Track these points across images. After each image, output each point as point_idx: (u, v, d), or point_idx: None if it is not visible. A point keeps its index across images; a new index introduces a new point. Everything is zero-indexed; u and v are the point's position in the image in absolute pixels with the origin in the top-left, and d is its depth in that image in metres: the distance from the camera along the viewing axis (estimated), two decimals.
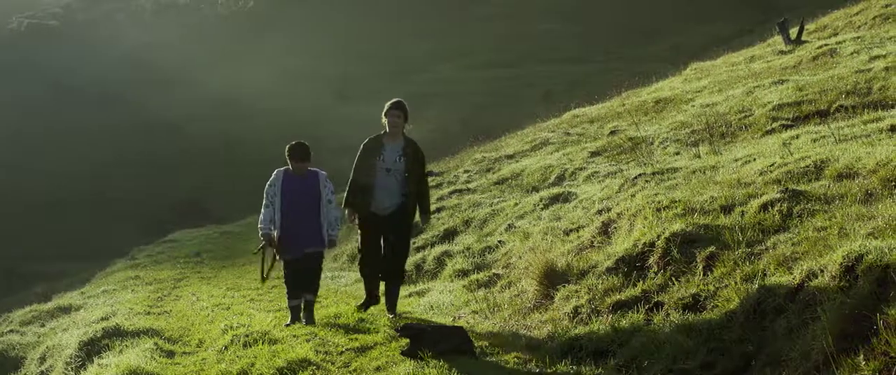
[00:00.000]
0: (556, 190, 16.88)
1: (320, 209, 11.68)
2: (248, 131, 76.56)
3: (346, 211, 11.48)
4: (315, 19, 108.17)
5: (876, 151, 9.89)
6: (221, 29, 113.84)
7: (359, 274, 12.21)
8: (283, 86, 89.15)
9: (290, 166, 11.70)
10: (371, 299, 11.72)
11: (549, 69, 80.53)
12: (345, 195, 11.42)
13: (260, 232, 11.90)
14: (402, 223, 11.29)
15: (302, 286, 11.78)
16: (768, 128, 16.80)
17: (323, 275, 17.93)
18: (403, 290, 14.71)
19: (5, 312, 22.33)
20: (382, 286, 11.70)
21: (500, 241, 14.92)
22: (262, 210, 11.77)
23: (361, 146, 11.33)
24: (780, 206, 9.04)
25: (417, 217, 11.67)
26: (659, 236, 9.47)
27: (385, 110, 11.22)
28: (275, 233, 11.61)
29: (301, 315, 11.80)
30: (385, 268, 11.37)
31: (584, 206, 14.20)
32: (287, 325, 11.61)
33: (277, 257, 11.93)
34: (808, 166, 10.42)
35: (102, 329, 12.84)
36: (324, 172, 11.88)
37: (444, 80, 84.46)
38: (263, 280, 12.71)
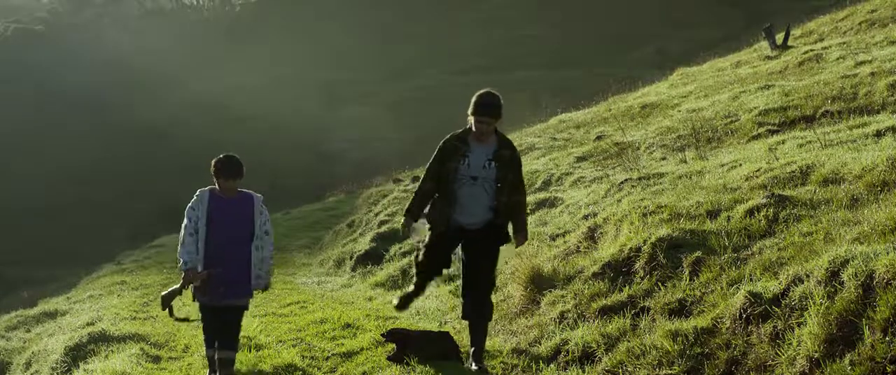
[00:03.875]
0: (542, 195, 16.87)
1: (251, 244, 9.14)
2: (234, 136, 76.17)
3: (403, 222, 9.24)
4: (300, 26, 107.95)
5: (861, 156, 9.92)
6: (207, 34, 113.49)
7: (414, 275, 9.68)
8: (269, 92, 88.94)
9: (216, 185, 9.19)
10: (417, 292, 9.58)
11: (535, 74, 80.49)
12: (408, 202, 9.36)
13: (182, 266, 9.09)
14: (489, 242, 8.98)
15: (221, 341, 9.29)
16: (754, 133, 16.84)
17: (307, 280, 18.00)
18: (389, 295, 14.71)
19: None
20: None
21: None
22: (183, 237, 9.09)
23: (440, 145, 9.03)
24: (766, 211, 9.06)
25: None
26: (645, 241, 9.48)
27: (472, 108, 8.73)
28: (199, 268, 9.00)
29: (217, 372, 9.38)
30: (473, 299, 8.98)
31: (571, 211, 14.21)
32: None
33: (193, 297, 9.39)
34: (794, 171, 10.45)
35: (88, 334, 12.81)
36: (259, 195, 9.36)
37: (430, 86, 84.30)
38: (178, 318, 10.18)
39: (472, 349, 8.91)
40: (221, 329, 9.22)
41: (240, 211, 9.15)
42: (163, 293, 9.33)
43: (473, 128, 8.76)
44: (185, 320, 10.11)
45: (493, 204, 8.79)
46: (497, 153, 8.80)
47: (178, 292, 9.48)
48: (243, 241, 9.09)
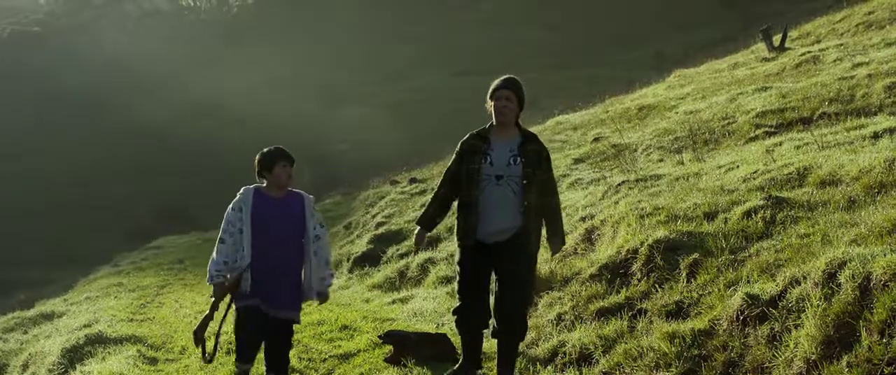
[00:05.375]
0: None
1: (304, 251, 8.00)
2: (233, 137, 76.31)
3: (415, 234, 8.18)
4: (298, 27, 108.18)
5: (859, 158, 9.92)
6: (205, 35, 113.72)
7: (454, 327, 8.40)
8: (267, 93, 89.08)
9: (265, 183, 8.05)
10: (471, 363, 8.09)
11: (532, 76, 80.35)
12: (422, 211, 8.28)
13: (211, 278, 7.85)
14: (521, 252, 7.65)
15: (268, 361, 8.12)
16: (752, 134, 16.83)
17: None
18: (386, 296, 14.67)
19: None
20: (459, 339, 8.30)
21: None
22: (217, 245, 7.85)
23: (458, 147, 7.87)
24: (764, 213, 9.05)
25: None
26: (642, 243, 9.46)
27: (491, 91, 7.72)
28: (227, 280, 7.78)
29: None
30: (499, 317, 7.67)
31: (568, 213, 14.17)
32: None
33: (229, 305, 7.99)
34: (791, 173, 10.45)
35: (85, 336, 12.80)
36: (310, 195, 8.23)
37: (429, 87, 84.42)
38: (208, 360, 8.19)
39: (501, 369, 7.81)
40: (271, 352, 8.07)
41: (290, 213, 8.01)
42: (195, 329, 8.04)
43: (494, 113, 7.71)
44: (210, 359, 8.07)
45: (523, 207, 7.59)
46: (521, 147, 7.66)
47: (209, 318, 7.98)
48: (295, 249, 8.00)
